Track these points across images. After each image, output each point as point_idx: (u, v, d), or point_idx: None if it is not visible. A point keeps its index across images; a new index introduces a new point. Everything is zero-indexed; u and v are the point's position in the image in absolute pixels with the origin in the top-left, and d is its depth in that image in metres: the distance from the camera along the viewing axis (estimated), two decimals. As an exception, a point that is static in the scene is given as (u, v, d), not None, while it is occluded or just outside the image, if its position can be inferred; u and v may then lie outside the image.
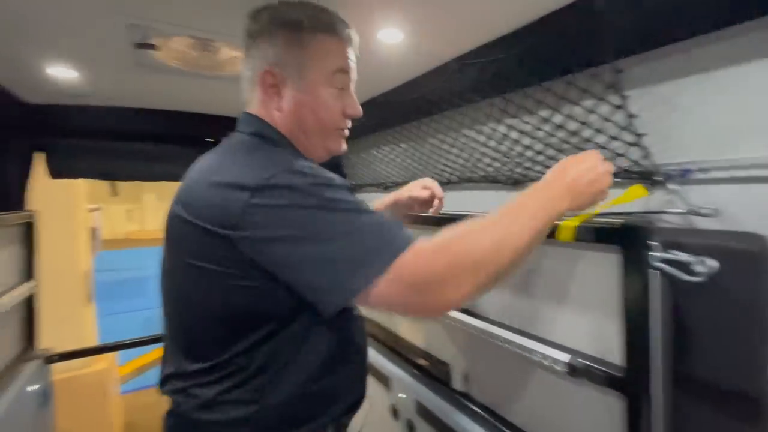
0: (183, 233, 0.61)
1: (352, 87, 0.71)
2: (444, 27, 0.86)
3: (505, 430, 0.97)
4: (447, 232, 0.55)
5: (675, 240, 0.67)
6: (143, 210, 4.78)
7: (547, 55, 0.79)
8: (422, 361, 1.27)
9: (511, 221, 0.57)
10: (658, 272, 0.65)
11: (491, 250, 0.54)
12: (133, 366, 3.49)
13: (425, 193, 0.96)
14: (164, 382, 0.69)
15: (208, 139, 1.75)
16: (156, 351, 3.51)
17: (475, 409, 1.07)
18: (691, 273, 0.62)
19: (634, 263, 0.66)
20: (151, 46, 0.98)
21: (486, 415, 1.05)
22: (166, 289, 0.68)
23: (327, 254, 0.53)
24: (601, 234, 0.71)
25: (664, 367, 0.66)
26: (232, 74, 1.21)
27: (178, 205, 0.62)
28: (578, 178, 0.63)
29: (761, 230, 0.67)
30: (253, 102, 0.69)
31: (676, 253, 0.65)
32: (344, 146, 0.73)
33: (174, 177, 1.87)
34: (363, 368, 0.77)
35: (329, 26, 0.67)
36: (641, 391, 0.66)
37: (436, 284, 0.52)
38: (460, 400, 1.12)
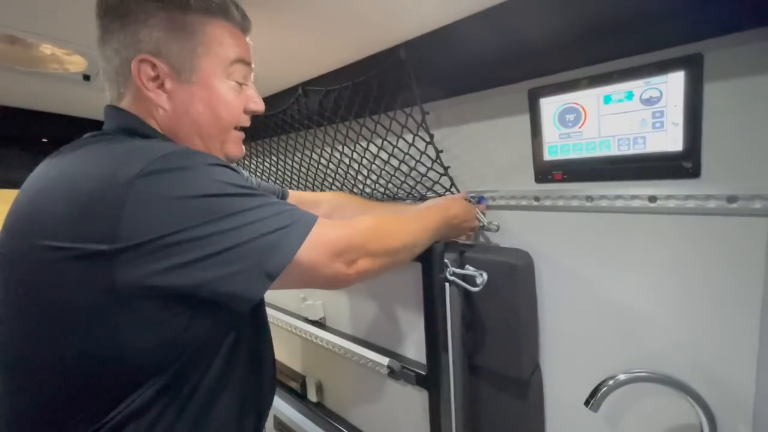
0: (25, 268, 0.45)
1: (251, 79, 0.62)
2: (284, 55, 0.89)
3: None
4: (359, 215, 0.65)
5: (467, 255, 0.81)
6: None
7: (372, 91, 0.88)
8: (281, 375, 1.28)
9: (414, 222, 0.69)
10: (448, 284, 0.78)
11: (399, 237, 0.63)
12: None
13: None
14: None
15: (44, 140, 1.51)
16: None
17: (327, 419, 1.12)
18: (474, 284, 0.76)
19: (431, 276, 0.78)
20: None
21: (336, 424, 1.10)
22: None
23: (241, 238, 0.45)
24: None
25: (455, 362, 0.79)
26: (56, 72, 1.07)
27: (12, 232, 0.47)
28: (458, 217, 0.79)
29: (527, 244, 0.86)
30: (124, 97, 0.55)
31: (468, 268, 0.79)
32: (243, 150, 0.64)
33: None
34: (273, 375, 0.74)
35: (222, 9, 0.55)
36: (437, 386, 0.77)
37: (354, 251, 0.55)
38: (315, 411, 1.16)
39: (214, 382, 0.55)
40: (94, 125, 0.55)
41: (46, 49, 0.99)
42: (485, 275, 0.75)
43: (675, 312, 0.69)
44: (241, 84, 0.59)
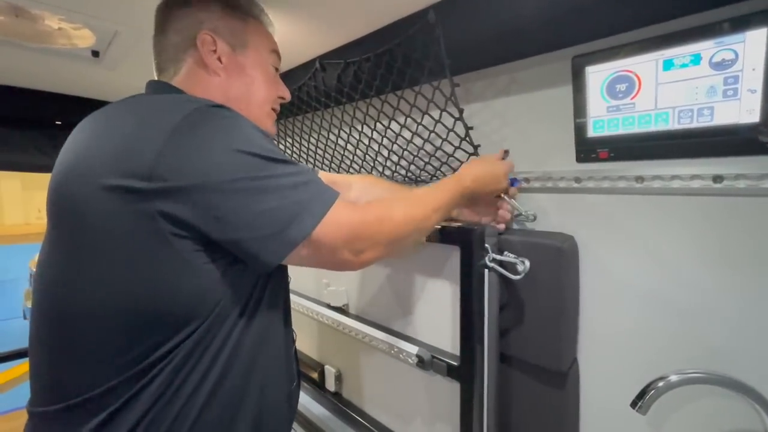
0: (74, 203, 0.49)
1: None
2: (300, 24, 0.82)
3: (372, 429, 1.00)
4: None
5: (506, 239, 0.75)
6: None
7: (395, 62, 0.80)
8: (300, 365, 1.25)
9: (422, 204, 0.65)
10: (487, 270, 0.73)
11: (408, 222, 0.61)
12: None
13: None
14: (36, 402, 0.54)
15: (58, 122, 1.49)
16: (19, 367, 2.94)
17: (346, 409, 1.09)
18: (515, 272, 0.70)
19: (469, 263, 0.72)
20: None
21: (355, 415, 1.07)
22: (46, 286, 0.53)
23: (269, 203, 0.48)
24: (444, 235, 0.77)
25: (491, 353, 0.74)
26: (65, 48, 1.02)
27: (64, 171, 0.51)
28: (478, 181, 0.73)
29: (566, 231, 0.79)
30: (179, 72, 0.63)
31: (508, 254, 0.73)
32: (276, 129, 0.75)
33: (12, 166, 1.55)
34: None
35: (262, 13, 0.70)
36: (470, 377, 0.72)
37: (362, 241, 0.55)
38: (333, 401, 1.13)
39: (248, 333, 0.57)
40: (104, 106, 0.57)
41: (53, 22, 0.94)
42: (527, 263, 0.69)
43: (740, 307, 0.61)
44: (276, 69, 0.71)
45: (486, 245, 0.73)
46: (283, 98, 0.72)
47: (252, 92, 0.66)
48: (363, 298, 1.07)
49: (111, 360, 0.49)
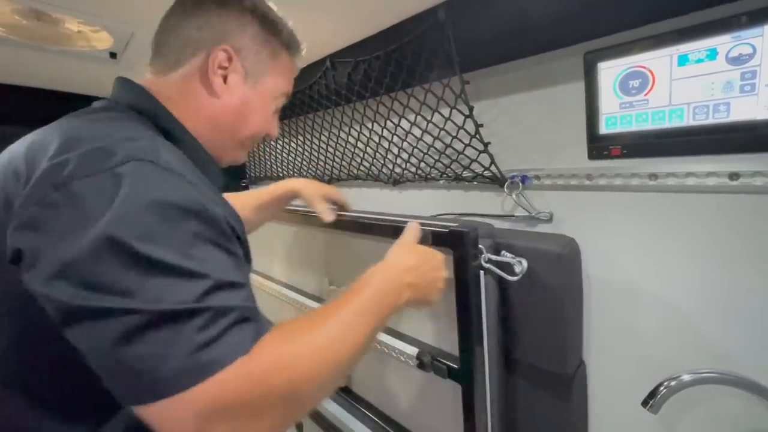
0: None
1: None
2: (310, 22, 0.83)
3: (383, 425, 1.01)
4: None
5: (503, 242, 0.74)
6: None
7: (405, 60, 0.81)
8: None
9: (344, 336, 0.43)
10: (483, 272, 0.70)
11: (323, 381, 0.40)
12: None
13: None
14: None
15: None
16: None
17: (357, 406, 1.10)
18: (512, 273, 0.69)
19: (464, 266, 0.69)
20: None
21: (366, 411, 1.08)
22: None
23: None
24: (436, 237, 0.70)
25: (491, 357, 0.74)
26: (84, 50, 1.05)
27: None
28: (411, 285, 0.54)
29: (577, 228, 0.78)
30: (177, 69, 0.54)
31: (505, 254, 0.72)
32: (245, 158, 0.69)
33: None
34: None
35: (297, 49, 0.62)
36: (471, 381, 0.72)
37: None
38: (345, 397, 1.14)
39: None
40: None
41: (73, 25, 0.97)
42: (525, 263, 0.68)
43: (760, 307, 0.60)
44: (275, 111, 0.63)
45: (480, 246, 0.69)
46: (269, 135, 0.64)
47: (242, 128, 0.58)
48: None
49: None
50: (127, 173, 0.37)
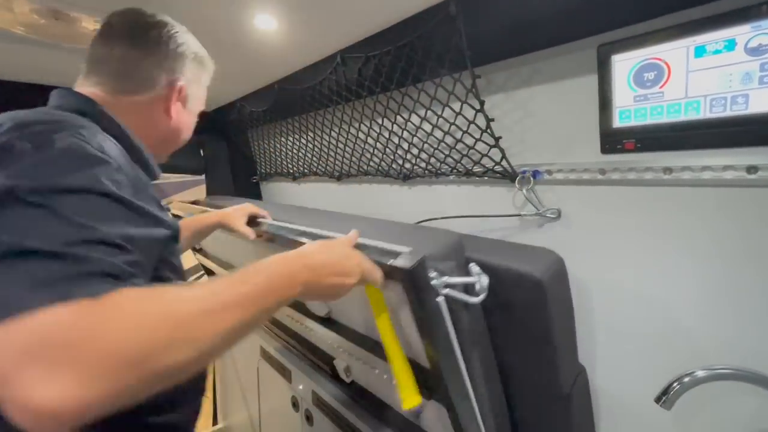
0: None
1: None
2: (321, 18, 0.84)
3: (384, 418, 1.01)
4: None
5: (474, 256, 0.67)
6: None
7: (416, 54, 0.80)
8: (313, 355, 1.28)
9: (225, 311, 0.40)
10: (443, 298, 0.58)
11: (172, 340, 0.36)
12: None
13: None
14: None
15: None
16: None
17: (360, 399, 1.10)
18: (474, 293, 0.60)
19: (418, 298, 0.57)
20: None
21: (369, 404, 1.07)
22: None
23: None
24: (386, 274, 0.58)
25: (474, 378, 0.66)
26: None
27: None
28: (325, 266, 0.52)
29: (588, 224, 0.77)
30: (137, 91, 0.64)
31: (472, 269, 0.62)
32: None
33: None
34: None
35: (211, 69, 0.76)
36: (452, 403, 0.64)
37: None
38: (346, 390, 1.14)
39: None
40: None
41: (89, 24, 0.99)
42: (485, 280, 0.60)
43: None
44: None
45: (432, 273, 0.57)
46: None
47: (180, 141, 0.73)
48: (346, 306, 0.99)
49: None
50: (58, 138, 0.43)
